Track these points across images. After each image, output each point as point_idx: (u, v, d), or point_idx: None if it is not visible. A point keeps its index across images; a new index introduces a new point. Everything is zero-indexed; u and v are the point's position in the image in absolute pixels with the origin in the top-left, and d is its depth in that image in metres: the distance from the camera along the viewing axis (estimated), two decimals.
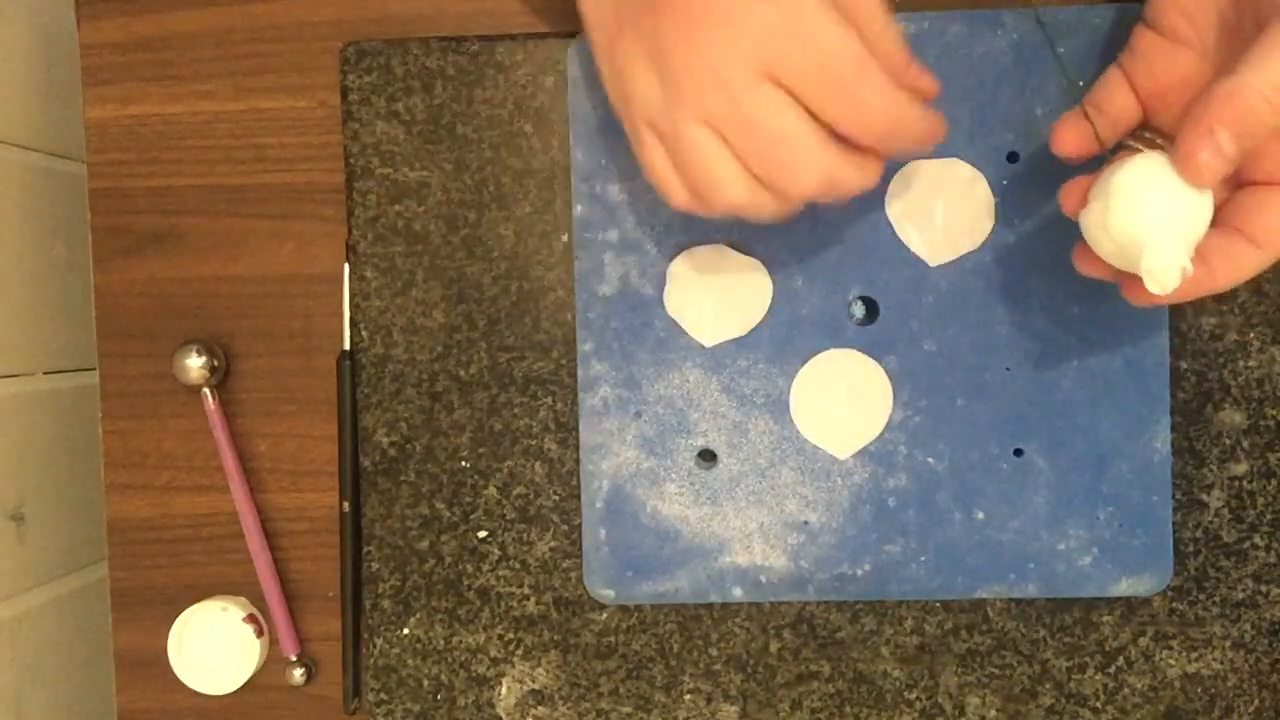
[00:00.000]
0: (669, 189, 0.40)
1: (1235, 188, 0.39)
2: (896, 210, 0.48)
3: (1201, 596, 0.49)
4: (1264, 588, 0.49)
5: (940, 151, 0.48)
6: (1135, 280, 0.38)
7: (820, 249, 0.48)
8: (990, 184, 0.48)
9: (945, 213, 0.48)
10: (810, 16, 0.36)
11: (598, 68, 0.42)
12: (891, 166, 0.48)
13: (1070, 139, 0.41)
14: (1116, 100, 0.41)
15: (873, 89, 0.37)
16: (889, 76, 0.37)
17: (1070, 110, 0.42)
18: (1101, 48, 0.47)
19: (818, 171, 0.38)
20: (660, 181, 0.40)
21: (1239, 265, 0.37)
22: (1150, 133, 0.41)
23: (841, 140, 0.38)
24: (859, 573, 0.49)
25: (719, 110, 0.37)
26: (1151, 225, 0.36)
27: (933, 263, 0.48)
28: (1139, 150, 0.40)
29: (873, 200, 0.48)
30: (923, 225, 0.48)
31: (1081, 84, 0.45)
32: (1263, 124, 0.35)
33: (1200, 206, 0.36)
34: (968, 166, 0.48)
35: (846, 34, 0.36)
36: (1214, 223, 0.37)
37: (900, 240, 0.48)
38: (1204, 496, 0.49)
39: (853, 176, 0.39)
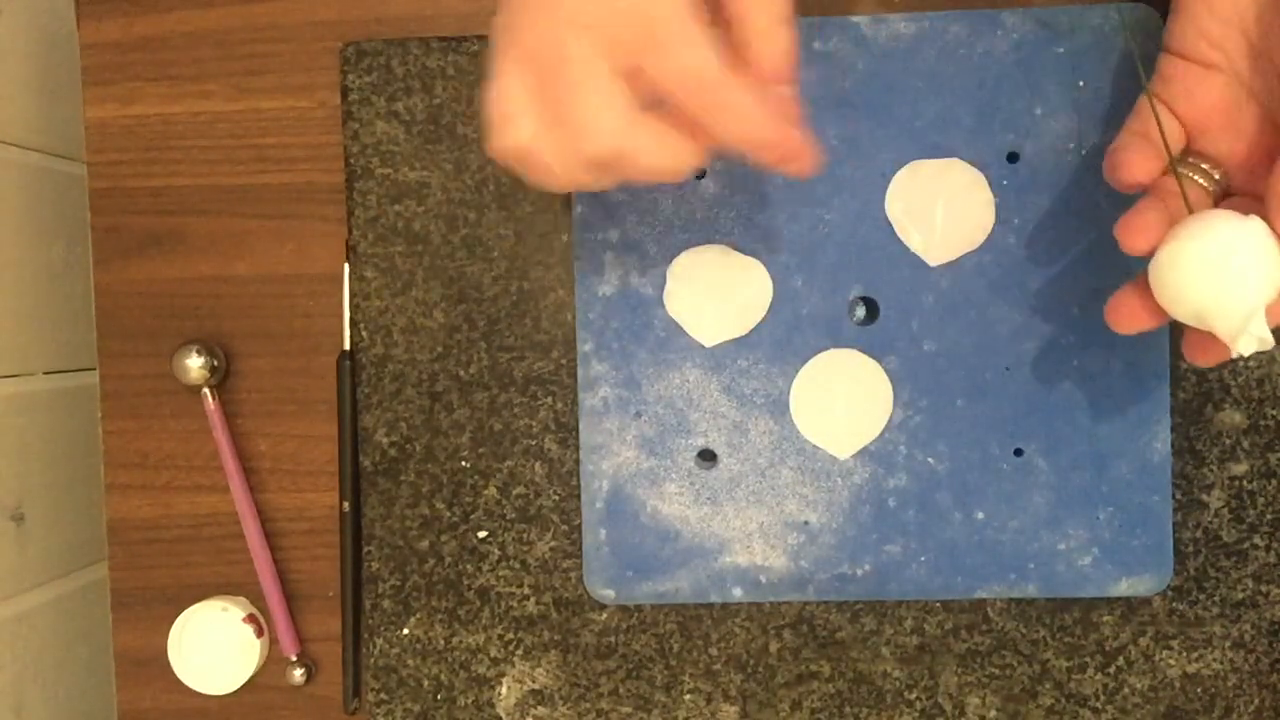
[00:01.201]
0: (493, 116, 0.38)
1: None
2: (897, 210, 0.48)
3: (1201, 596, 0.49)
4: (1264, 588, 0.49)
5: (940, 152, 0.48)
6: (1200, 337, 0.38)
7: (820, 249, 0.48)
8: (990, 184, 0.48)
9: (945, 214, 0.48)
10: None
11: None
12: (892, 167, 0.48)
13: (1138, 163, 0.40)
14: (1162, 127, 0.40)
15: (692, 48, 0.35)
16: (755, 77, 0.36)
17: (1125, 136, 0.41)
18: (1103, 48, 0.47)
19: (610, 129, 0.35)
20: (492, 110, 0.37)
21: None
22: (1195, 157, 0.41)
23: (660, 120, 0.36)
24: (859, 573, 0.49)
25: (534, 43, 0.35)
26: (1243, 293, 0.36)
27: (933, 263, 0.48)
28: (1200, 184, 0.39)
29: (873, 200, 0.48)
30: (923, 226, 0.48)
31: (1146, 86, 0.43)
32: None
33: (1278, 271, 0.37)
34: (968, 167, 0.48)
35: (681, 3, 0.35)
36: None
37: (900, 240, 0.48)
38: (1204, 496, 0.49)
39: (650, 149, 0.36)
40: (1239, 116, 0.40)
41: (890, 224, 0.48)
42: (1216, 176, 0.40)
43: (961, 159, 0.48)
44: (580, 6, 0.35)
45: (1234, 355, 0.37)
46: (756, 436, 0.49)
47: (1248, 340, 0.36)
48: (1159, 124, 0.40)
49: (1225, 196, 0.41)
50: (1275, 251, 0.36)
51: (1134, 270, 0.48)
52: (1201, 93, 0.40)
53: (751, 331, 0.49)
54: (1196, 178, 0.40)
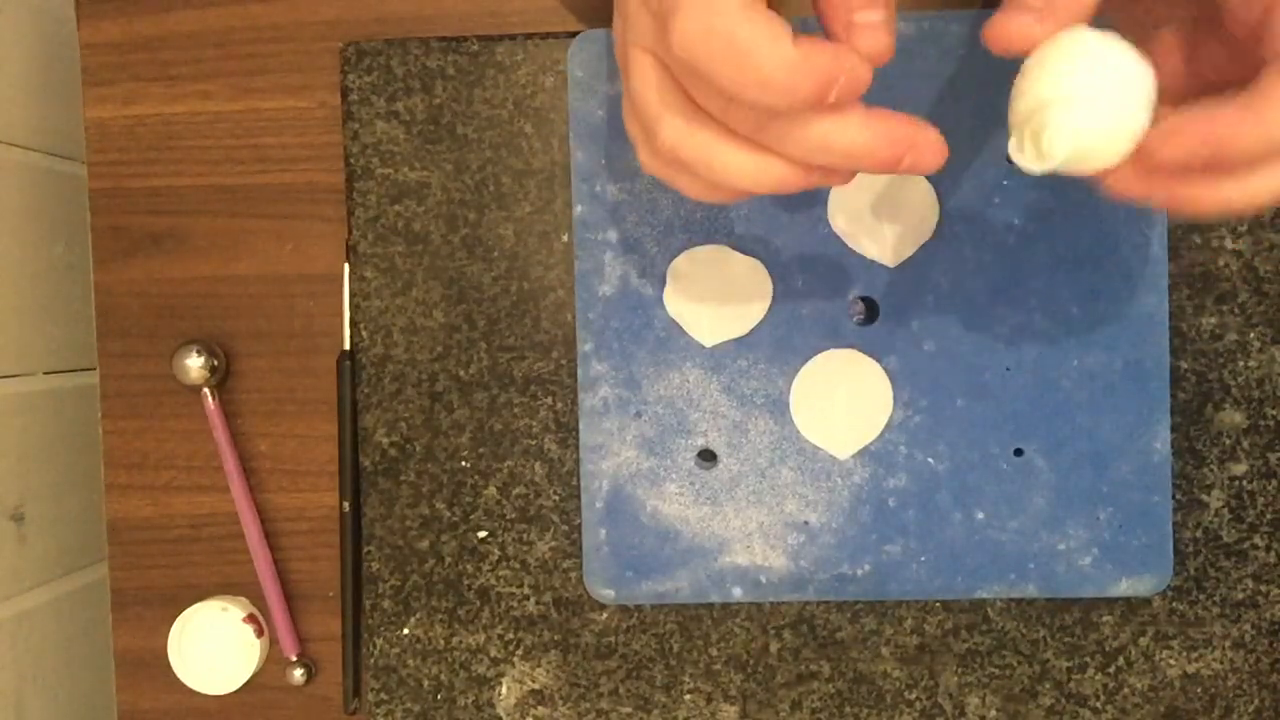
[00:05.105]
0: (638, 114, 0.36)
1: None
2: (841, 223, 0.48)
3: (1201, 596, 0.49)
4: (1264, 588, 0.49)
5: None
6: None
7: (820, 249, 0.48)
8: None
9: (887, 214, 0.48)
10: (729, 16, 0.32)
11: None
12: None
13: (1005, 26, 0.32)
14: None
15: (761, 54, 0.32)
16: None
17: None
18: None
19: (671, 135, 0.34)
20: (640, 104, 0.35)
21: None
22: None
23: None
24: (859, 573, 0.49)
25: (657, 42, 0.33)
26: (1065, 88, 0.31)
27: (892, 264, 0.48)
28: None
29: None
30: (870, 231, 0.48)
31: None
32: None
33: (1134, 87, 0.32)
34: None
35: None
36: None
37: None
38: (1204, 496, 0.49)
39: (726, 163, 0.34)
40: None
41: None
42: None
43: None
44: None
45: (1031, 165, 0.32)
46: (756, 436, 0.49)
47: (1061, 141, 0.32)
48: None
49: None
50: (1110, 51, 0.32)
51: (1134, 272, 0.48)
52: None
53: (751, 331, 0.49)
54: None
